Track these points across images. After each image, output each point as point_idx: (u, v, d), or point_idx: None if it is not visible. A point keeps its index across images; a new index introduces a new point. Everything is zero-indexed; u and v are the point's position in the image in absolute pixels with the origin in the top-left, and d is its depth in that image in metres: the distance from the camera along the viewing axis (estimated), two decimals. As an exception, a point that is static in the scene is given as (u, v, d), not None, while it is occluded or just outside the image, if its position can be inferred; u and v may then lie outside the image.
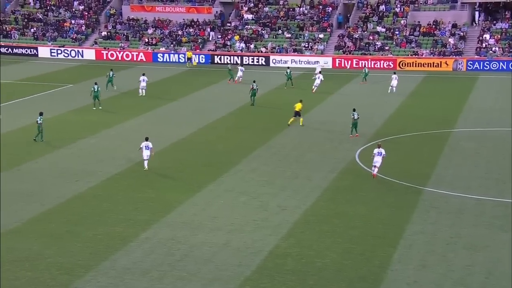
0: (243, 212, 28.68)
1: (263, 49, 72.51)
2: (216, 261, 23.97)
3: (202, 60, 72.05)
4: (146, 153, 34.37)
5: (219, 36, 75.91)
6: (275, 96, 54.93)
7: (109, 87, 54.77)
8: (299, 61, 69.93)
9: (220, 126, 44.59)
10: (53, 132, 42.32)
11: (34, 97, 53.25)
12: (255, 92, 50.25)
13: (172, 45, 75.01)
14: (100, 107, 48.83)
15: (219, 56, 71.90)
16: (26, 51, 75.83)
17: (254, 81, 51.60)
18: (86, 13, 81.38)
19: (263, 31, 75.47)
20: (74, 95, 53.67)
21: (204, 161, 36.35)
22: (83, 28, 79.15)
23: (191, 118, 46.79)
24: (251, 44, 73.60)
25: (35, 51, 75.75)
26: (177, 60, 72.07)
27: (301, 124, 43.29)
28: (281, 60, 70.42)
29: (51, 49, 75.48)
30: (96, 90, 48.56)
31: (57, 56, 74.87)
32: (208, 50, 74.05)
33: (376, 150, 33.00)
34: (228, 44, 74.29)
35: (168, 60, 72.70)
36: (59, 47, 75.63)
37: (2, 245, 25.20)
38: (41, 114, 40.12)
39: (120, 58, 73.48)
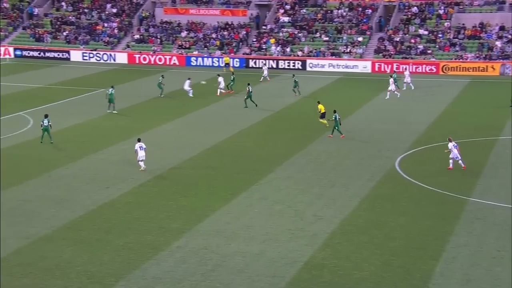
0: (278, 221, 28.11)
1: (300, 53, 71.58)
2: (250, 272, 23.54)
3: (236, 64, 71.36)
4: (141, 154, 34.58)
5: (254, 40, 75.23)
6: (312, 101, 53.79)
7: (158, 91, 55.33)
8: (337, 65, 68.80)
9: (255, 132, 43.92)
10: (85, 138, 42.12)
11: (66, 101, 53.05)
12: (251, 95, 50.07)
13: (206, 48, 74.53)
14: (114, 111, 48.76)
15: (254, 60, 71.19)
16: (58, 54, 76.01)
17: (248, 84, 51.55)
18: (118, 17, 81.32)
19: (299, 34, 74.51)
20: (106, 100, 53.32)
21: (238, 168, 35.78)
22: (116, 31, 79.10)
23: (225, 123, 46.15)
24: (287, 47, 72.71)
25: (67, 54, 75.89)
26: (210, 64, 71.51)
27: (327, 125, 43.26)
28: (318, 64, 69.40)
29: (83, 53, 75.59)
30: (110, 93, 48.71)
31: (89, 60, 74.97)
32: (243, 54, 73.38)
33: (450, 144, 34.21)
34: (264, 47, 73.50)
35: (201, 64, 72.19)
36: (91, 50, 75.69)
37: (34, 252, 25.20)
38: (46, 116, 40.23)
39: (152, 62, 73.22)
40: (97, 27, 79.96)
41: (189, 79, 55.59)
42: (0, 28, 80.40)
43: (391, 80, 53.73)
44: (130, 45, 76.77)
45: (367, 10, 76.14)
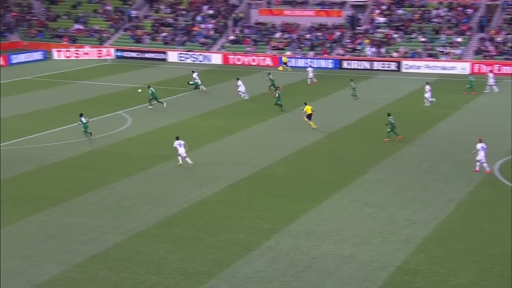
0: (370, 224, 27.74)
1: (395, 54, 70.28)
2: (340, 274, 23.36)
3: (330, 65, 70.85)
4: (182, 150, 35.56)
5: (348, 40, 74.51)
6: (406, 104, 52.71)
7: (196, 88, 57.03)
8: (434, 66, 67.05)
9: (347, 134, 43.42)
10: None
11: (163, 101, 54.26)
12: (279, 98, 49.90)
13: (299, 49, 74.43)
14: (163, 104, 50.36)
15: (347, 61, 70.48)
16: (156, 55, 77.95)
17: (276, 88, 52.00)
18: (214, 18, 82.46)
19: (395, 35, 73.15)
20: (200, 100, 54.31)
21: (329, 170, 35.51)
22: (211, 32, 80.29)
23: (317, 124, 45.82)
24: (382, 48, 71.54)
25: (164, 55, 77.66)
26: (303, 65, 71.31)
27: (314, 126, 43.61)
28: (413, 65, 67.87)
29: (179, 54, 77.14)
30: (151, 92, 50.67)
31: (185, 60, 76.36)
32: (337, 55, 72.80)
33: (479, 145, 32.88)
34: (358, 48, 72.65)
35: (295, 65, 72.10)
36: (187, 51, 77.14)
37: (131, 247, 25.92)
38: (81, 115, 41.77)
39: (246, 63, 73.79)
40: (194, 29, 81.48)
41: (238, 79, 55.42)
42: (103, 29, 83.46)
43: (427, 87, 50.85)
44: (225, 46, 77.75)
45: (467, 10, 73.75)
